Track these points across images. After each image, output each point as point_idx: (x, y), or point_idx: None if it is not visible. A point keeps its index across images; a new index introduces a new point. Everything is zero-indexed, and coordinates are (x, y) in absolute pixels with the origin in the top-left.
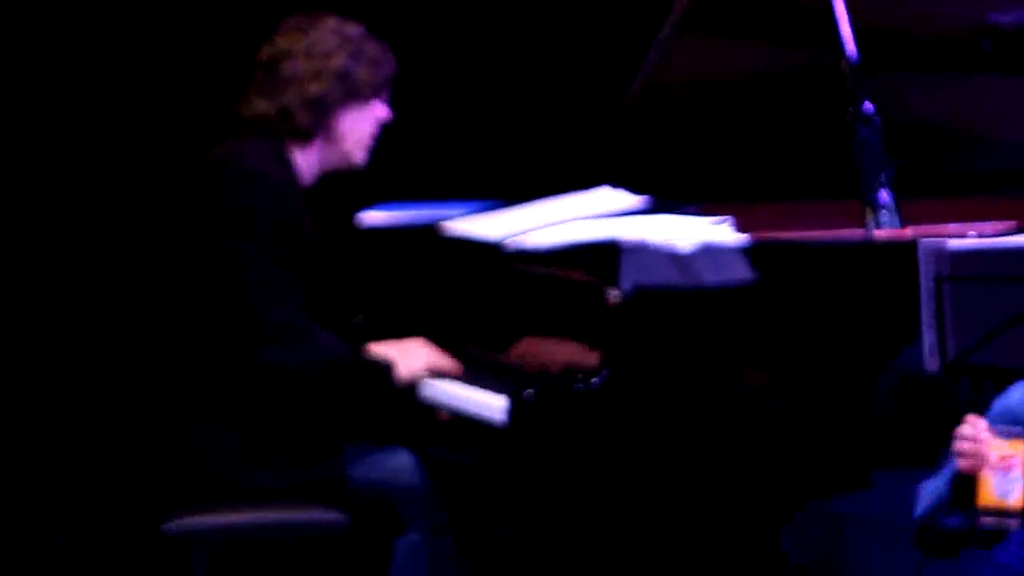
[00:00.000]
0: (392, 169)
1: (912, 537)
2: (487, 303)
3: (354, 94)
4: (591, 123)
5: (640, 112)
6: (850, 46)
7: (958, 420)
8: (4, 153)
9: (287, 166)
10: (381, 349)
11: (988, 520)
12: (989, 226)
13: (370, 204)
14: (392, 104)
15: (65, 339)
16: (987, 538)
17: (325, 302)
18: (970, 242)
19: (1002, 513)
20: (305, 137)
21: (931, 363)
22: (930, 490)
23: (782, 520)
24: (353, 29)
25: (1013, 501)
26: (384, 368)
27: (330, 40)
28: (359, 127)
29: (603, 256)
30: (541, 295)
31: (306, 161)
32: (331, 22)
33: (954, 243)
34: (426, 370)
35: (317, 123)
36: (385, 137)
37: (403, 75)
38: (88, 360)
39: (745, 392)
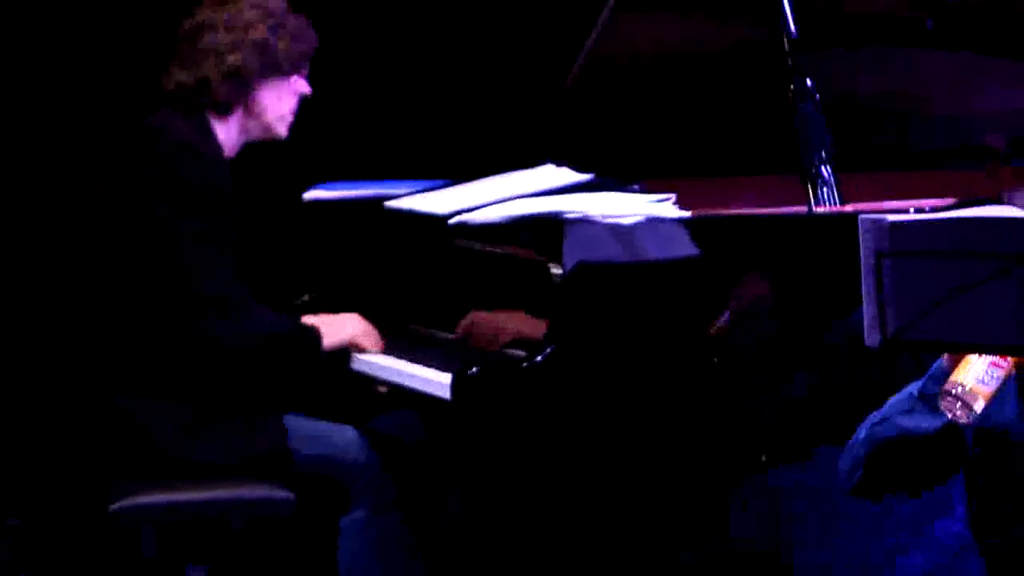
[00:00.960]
0: (336, 148)
1: (850, 467)
2: (432, 280)
3: (274, 67)
4: (534, 101)
5: (582, 89)
6: (791, 22)
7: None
8: None
9: (212, 138)
10: (312, 320)
11: (950, 403)
12: (928, 203)
13: (315, 182)
14: (336, 84)
15: (3, 316)
16: (944, 438)
17: (270, 281)
18: (909, 217)
19: (967, 399)
20: (224, 110)
21: (872, 338)
22: (888, 403)
23: (725, 492)
24: (274, 3)
25: (984, 391)
26: (311, 335)
27: (250, 13)
28: (280, 101)
29: (547, 232)
30: (486, 272)
31: (226, 133)
32: None
33: (893, 218)
34: (349, 342)
35: (236, 95)
36: (329, 116)
37: (349, 56)
38: (27, 339)
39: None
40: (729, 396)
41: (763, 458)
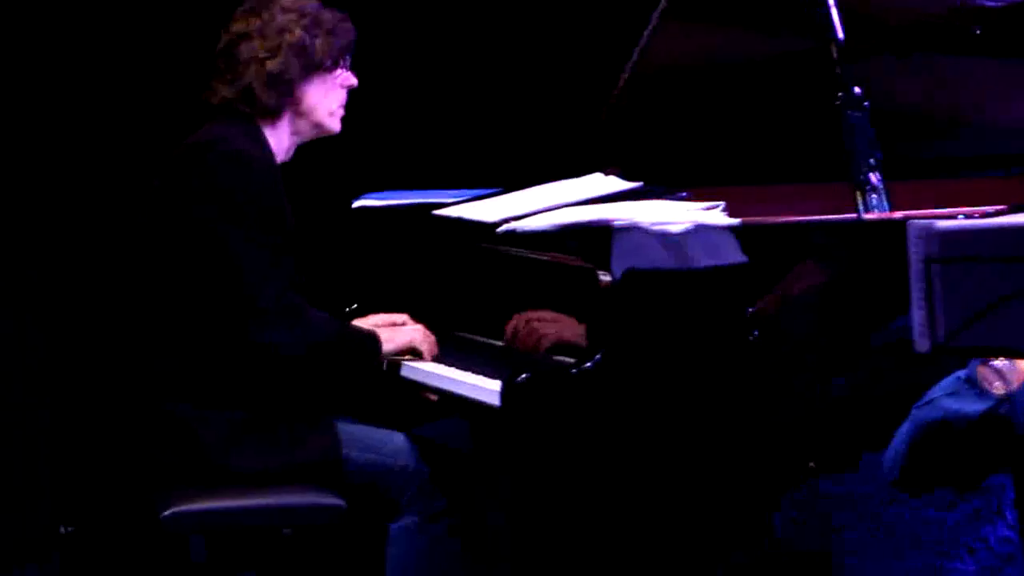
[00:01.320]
0: (387, 156)
1: (894, 456)
2: (480, 287)
3: (315, 66)
4: (582, 109)
5: (629, 97)
6: (839, 30)
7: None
8: None
9: (264, 146)
10: (369, 322)
11: (988, 374)
12: (978, 209)
13: (364, 191)
14: (386, 93)
15: (59, 327)
16: (988, 424)
17: (319, 288)
18: (959, 223)
19: (1007, 372)
20: (273, 115)
21: (921, 344)
22: (933, 388)
23: (772, 499)
24: (307, 4)
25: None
26: (372, 341)
27: (283, 17)
28: (327, 97)
29: (595, 240)
30: (533, 279)
31: (277, 138)
32: (284, 0)
33: (943, 224)
34: (408, 347)
35: (281, 99)
36: (379, 125)
37: (399, 64)
38: (81, 348)
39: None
40: (776, 397)
41: (811, 464)
